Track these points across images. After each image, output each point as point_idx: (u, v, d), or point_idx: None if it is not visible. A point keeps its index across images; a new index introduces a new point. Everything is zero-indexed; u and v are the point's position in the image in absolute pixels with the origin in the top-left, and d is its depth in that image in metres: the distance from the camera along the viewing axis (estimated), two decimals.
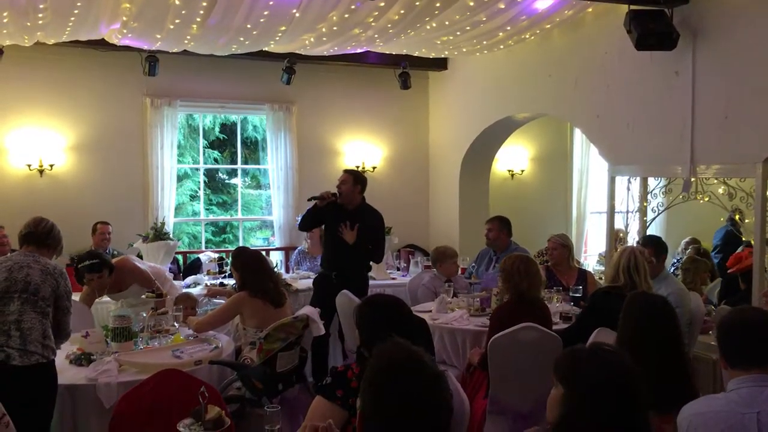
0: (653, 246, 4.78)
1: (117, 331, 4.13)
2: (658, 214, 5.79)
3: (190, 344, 4.29)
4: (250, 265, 4.64)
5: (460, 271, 6.81)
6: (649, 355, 2.87)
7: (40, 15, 5.32)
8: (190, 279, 6.76)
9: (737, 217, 5.23)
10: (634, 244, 5.13)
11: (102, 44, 6.58)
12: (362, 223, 5.71)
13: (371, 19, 5.71)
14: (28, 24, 5.56)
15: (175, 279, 6.52)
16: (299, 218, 6.74)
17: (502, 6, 5.55)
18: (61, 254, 3.99)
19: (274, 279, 4.72)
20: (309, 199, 5.85)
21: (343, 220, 5.72)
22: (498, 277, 4.63)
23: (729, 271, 5.35)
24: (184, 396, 3.20)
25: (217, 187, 13.23)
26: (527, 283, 4.30)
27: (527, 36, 6.54)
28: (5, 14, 5.28)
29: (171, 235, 6.60)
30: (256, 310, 4.49)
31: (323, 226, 6.08)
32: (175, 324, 4.68)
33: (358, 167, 8.67)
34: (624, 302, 3.19)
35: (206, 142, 12.01)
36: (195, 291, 5.49)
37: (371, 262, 6.11)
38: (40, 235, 3.73)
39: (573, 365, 2.09)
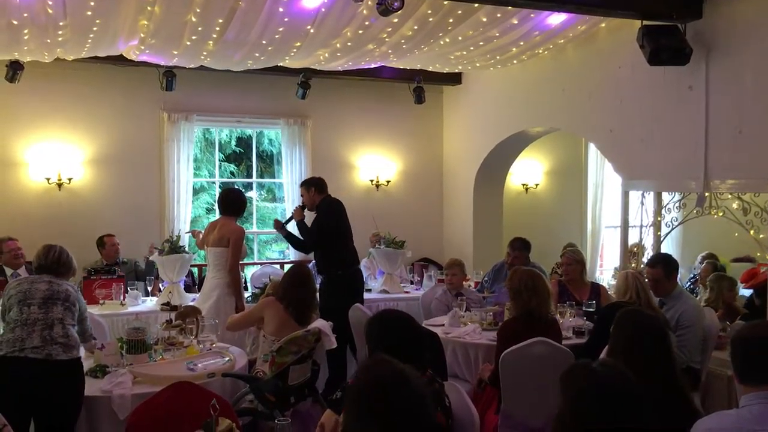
0: (663, 264, 4.66)
1: (132, 344, 4.18)
2: (672, 229, 5.77)
3: (203, 357, 4.32)
4: (287, 278, 4.77)
5: (473, 285, 6.81)
6: (638, 366, 2.83)
7: (60, 32, 5.43)
8: None
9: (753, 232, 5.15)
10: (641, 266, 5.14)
11: (120, 60, 6.69)
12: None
13: (385, 35, 5.77)
14: (48, 41, 5.67)
15: (190, 292, 6.57)
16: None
17: (515, 21, 5.58)
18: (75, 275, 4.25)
19: (305, 301, 4.63)
20: (286, 222, 6.43)
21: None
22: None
23: (743, 286, 5.31)
24: (197, 408, 3.22)
25: None
26: (537, 300, 4.29)
27: (540, 51, 6.57)
28: (26, 31, 5.39)
29: (186, 248, 6.64)
30: (277, 314, 4.51)
31: None
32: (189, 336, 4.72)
33: (372, 181, 8.74)
34: (617, 316, 3.16)
35: (222, 155, 12.11)
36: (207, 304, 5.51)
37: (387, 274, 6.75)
38: (51, 265, 3.95)
39: (566, 374, 2.22)
